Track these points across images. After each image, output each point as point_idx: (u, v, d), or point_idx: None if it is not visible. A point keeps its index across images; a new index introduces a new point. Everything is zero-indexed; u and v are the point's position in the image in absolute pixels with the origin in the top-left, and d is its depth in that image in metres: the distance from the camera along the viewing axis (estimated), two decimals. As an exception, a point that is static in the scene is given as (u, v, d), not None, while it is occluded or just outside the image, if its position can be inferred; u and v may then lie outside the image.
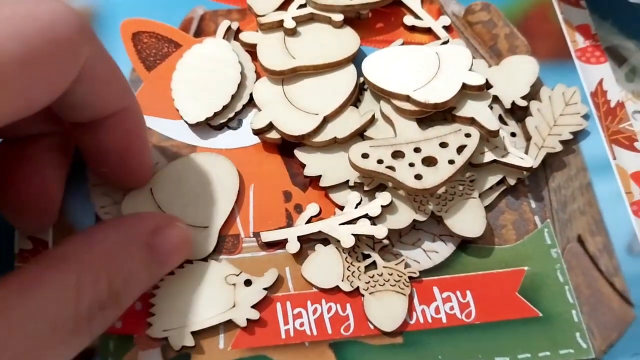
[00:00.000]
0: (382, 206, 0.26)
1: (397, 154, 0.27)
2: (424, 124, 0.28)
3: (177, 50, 0.31)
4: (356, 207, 0.27)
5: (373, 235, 0.26)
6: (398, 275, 0.26)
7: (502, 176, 0.28)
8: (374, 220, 0.26)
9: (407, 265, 0.26)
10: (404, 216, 0.26)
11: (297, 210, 0.27)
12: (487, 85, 0.29)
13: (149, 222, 0.23)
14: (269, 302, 0.25)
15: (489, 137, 0.27)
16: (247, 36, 0.31)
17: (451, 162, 0.26)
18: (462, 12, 0.33)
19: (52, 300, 0.19)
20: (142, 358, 0.24)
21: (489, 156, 0.28)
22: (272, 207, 0.28)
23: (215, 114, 0.29)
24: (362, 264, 0.26)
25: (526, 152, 0.28)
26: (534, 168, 0.28)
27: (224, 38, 0.31)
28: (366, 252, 0.26)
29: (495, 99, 0.29)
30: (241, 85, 0.30)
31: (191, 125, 0.29)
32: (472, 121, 0.28)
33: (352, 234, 0.26)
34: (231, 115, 0.29)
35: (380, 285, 0.25)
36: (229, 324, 0.25)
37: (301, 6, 0.31)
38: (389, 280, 0.26)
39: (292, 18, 0.30)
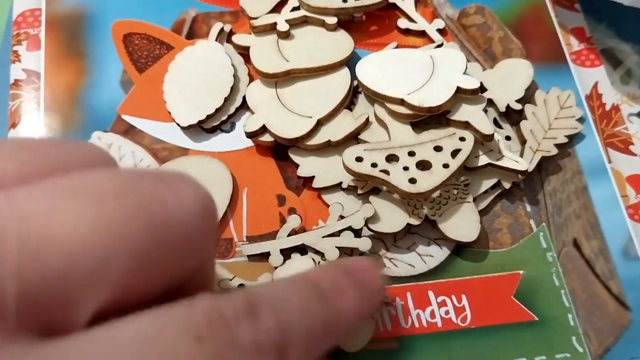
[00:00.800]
0: (365, 219, 0.26)
1: (391, 158, 0.26)
2: (419, 128, 0.28)
3: (169, 52, 0.31)
4: (339, 220, 0.26)
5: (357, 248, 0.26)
6: None
7: (497, 180, 0.28)
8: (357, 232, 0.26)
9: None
10: (398, 220, 0.26)
11: (291, 214, 0.27)
12: (482, 89, 0.29)
13: None
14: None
15: (483, 141, 0.27)
16: (240, 39, 0.31)
17: (445, 166, 0.26)
18: (456, 15, 0.33)
19: None
20: None
21: (483, 159, 0.27)
22: (265, 211, 0.27)
23: (208, 117, 0.29)
24: None
25: (521, 156, 0.28)
26: (529, 171, 0.28)
27: (216, 40, 0.31)
28: None
29: (490, 103, 0.29)
30: (234, 88, 0.29)
31: (183, 128, 0.29)
32: (466, 125, 0.27)
33: (336, 247, 0.26)
34: (224, 118, 0.29)
35: None
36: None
37: (294, 9, 0.31)
38: None
39: (286, 21, 0.30)
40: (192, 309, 0.14)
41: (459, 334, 0.25)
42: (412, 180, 0.26)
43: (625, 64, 0.33)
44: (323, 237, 0.26)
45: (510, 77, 0.30)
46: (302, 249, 0.26)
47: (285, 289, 0.17)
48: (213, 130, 0.29)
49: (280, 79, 0.29)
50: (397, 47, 0.31)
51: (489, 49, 0.32)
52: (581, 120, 0.30)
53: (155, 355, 0.13)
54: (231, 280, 0.25)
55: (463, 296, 0.26)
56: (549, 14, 0.33)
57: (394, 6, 0.32)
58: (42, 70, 0.30)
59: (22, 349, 0.13)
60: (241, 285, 0.25)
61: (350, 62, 0.30)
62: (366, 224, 0.26)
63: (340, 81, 0.29)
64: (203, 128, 0.29)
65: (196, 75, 0.29)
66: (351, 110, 0.29)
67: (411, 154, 0.26)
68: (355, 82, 0.29)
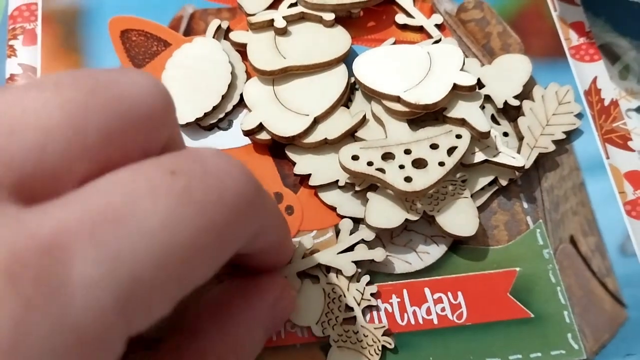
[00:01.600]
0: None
1: (388, 156, 0.26)
2: (415, 125, 0.28)
3: (166, 49, 0.31)
4: (350, 234, 0.26)
5: (372, 260, 0.26)
6: (372, 340, 0.25)
7: (494, 176, 0.28)
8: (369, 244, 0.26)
9: (385, 333, 0.25)
10: (396, 216, 0.26)
11: (288, 211, 0.27)
12: (480, 85, 0.29)
13: (270, 295, 0.22)
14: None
15: (480, 138, 0.27)
16: (237, 35, 0.30)
17: (441, 164, 0.26)
18: (455, 10, 0.32)
19: None
20: None
21: (480, 156, 0.27)
22: (262, 209, 0.27)
23: (205, 115, 0.29)
24: (342, 314, 0.25)
25: (518, 152, 0.28)
26: (526, 168, 0.28)
27: (214, 37, 0.31)
28: (350, 305, 0.25)
29: (488, 99, 0.29)
30: (231, 86, 0.29)
31: (181, 126, 0.29)
32: (463, 122, 0.27)
33: (352, 261, 0.26)
34: (221, 115, 0.29)
35: (351, 342, 0.24)
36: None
37: (292, 5, 0.31)
38: (361, 341, 0.25)
39: (283, 17, 0.30)
40: (162, 157, 0.16)
41: (455, 331, 0.25)
42: (408, 179, 0.26)
43: (623, 60, 0.32)
44: (338, 253, 0.26)
45: (508, 73, 0.30)
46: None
47: None
48: (210, 128, 0.29)
49: (277, 76, 0.29)
50: (395, 42, 0.31)
51: (488, 44, 0.32)
52: (579, 115, 0.29)
53: (133, 188, 0.15)
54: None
55: (459, 293, 0.26)
56: (548, 8, 0.33)
57: (392, 2, 0.32)
58: (38, 65, 0.30)
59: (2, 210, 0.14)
60: None
61: (348, 58, 0.30)
62: (364, 221, 0.26)
63: (337, 78, 0.29)
64: (200, 126, 0.29)
65: (193, 73, 0.29)
66: (348, 107, 0.29)
67: (407, 152, 0.26)
68: (353, 79, 0.29)
